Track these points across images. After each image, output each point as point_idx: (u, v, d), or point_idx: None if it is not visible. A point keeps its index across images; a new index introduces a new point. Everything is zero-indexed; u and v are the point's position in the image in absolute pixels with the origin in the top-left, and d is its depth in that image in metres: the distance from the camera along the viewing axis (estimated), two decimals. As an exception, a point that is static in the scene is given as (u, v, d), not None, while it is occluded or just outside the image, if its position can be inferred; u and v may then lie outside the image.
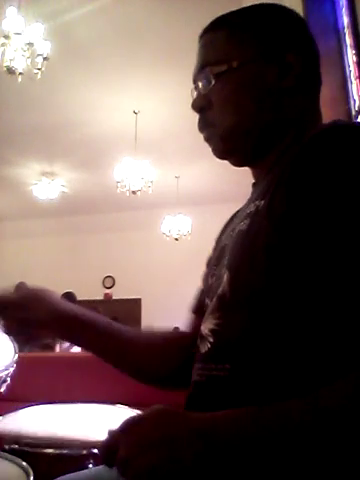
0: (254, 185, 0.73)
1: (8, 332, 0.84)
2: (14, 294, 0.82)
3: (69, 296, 5.97)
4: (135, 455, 0.47)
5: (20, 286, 0.90)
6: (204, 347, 0.65)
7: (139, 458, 0.46)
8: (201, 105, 0.72)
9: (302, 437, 0.44)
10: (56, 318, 0.79)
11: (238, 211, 0.78)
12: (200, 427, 0.48)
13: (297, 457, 0.45)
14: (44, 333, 0.84)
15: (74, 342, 0.86)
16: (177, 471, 0.46)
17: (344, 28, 2.40)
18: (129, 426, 0.50)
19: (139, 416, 0.51)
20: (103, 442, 0.51)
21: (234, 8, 0.73)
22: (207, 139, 0.74)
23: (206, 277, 0.79)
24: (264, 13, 0.71)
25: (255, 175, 0.75)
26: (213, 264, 0.75)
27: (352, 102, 2.25)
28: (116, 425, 0.51)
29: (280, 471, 0.46)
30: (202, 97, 0.72)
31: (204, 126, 0.73)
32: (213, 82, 0.69)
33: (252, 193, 0.70)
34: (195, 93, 0.75)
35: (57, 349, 5.78)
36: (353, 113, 2.20)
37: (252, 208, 0.62)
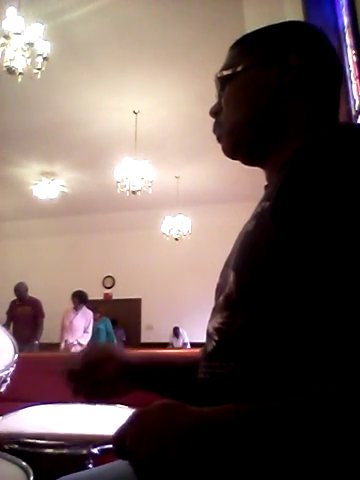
0: (266, 187, 0.74)
1: (78, 394, 0.83)
2: (80, 358, 0.84)
3: (80, 295, 5.91)
4: (139, 445, 0.50)
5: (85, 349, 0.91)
6: (210, 345, 0.66)
7: (142, 448, 0.49)
8: (214, 110, 0.79)
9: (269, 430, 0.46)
10: (126, 373, 0.82)
11: None
12: (199, 418, 0.50)
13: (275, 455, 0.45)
14: (116, 390, 0.85)
15: (148, 390, 0.86)
16: (178, 460, 0.47)
17: (344, 28, 2.40)
18: (135, 418, 0.53)
19: (145, 409, 0.53)
20: (113, 435, 0.54)
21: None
22: (218, 139, 0.79)
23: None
24: (274, 27, 0.76)
25: (267, 177, 0.77)
26: (224, 264, 0.76)
27: (352, 102, 2.25)
28: (118, 424, 0.54)
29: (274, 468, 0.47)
30: (216, 103, 0.79)
31: (216, 128, 0.79)
32: (220, 86, 0.76)
33: (263, 194, 0.71)
34: None
35: (62, 346, 5.74)
36: (353, 113, 2.21)
37: (259, 209, 0.64)
